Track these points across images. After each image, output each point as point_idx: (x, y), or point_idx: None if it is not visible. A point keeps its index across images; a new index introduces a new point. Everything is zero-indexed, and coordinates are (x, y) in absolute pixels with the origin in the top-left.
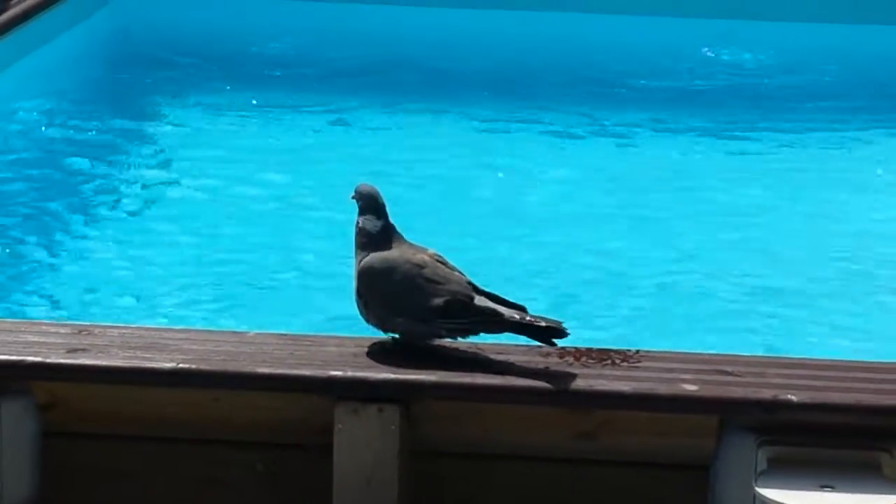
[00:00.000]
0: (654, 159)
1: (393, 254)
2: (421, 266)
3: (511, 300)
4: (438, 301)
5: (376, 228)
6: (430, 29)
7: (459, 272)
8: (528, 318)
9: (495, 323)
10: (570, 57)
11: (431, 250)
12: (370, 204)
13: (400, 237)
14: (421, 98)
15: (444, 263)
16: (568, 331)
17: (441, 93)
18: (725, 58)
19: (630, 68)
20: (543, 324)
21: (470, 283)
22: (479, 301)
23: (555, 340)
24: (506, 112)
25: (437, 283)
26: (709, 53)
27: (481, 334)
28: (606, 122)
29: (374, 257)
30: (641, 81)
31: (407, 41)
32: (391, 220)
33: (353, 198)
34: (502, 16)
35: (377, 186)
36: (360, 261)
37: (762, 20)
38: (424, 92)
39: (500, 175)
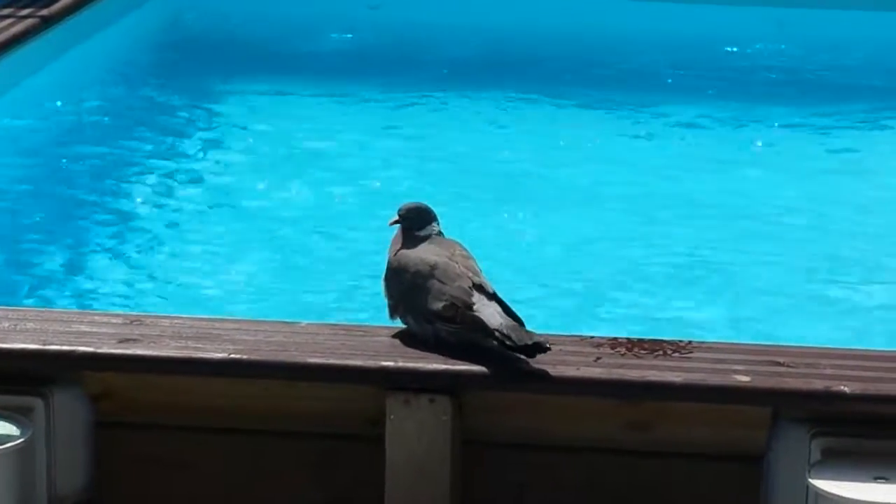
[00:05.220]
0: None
1: (410, 252)
2: (432, 266)
3: (515, 311)
4: (438, 305)
5: (411, 229)
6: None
7: (473, 272)
8: (513, 335)
9: (481, 333)
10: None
11: (459, 248)
12: (413, 215)
13: (436, 236)
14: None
15: (461, 263)
16: (550, 346)
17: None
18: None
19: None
20: (530, 341)
21: (476, 287)
22: (477, 307)
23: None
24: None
25: (443, 284)
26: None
27: None
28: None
29: (396, 255)
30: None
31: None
32: (437, 223)
33: (397, 221)
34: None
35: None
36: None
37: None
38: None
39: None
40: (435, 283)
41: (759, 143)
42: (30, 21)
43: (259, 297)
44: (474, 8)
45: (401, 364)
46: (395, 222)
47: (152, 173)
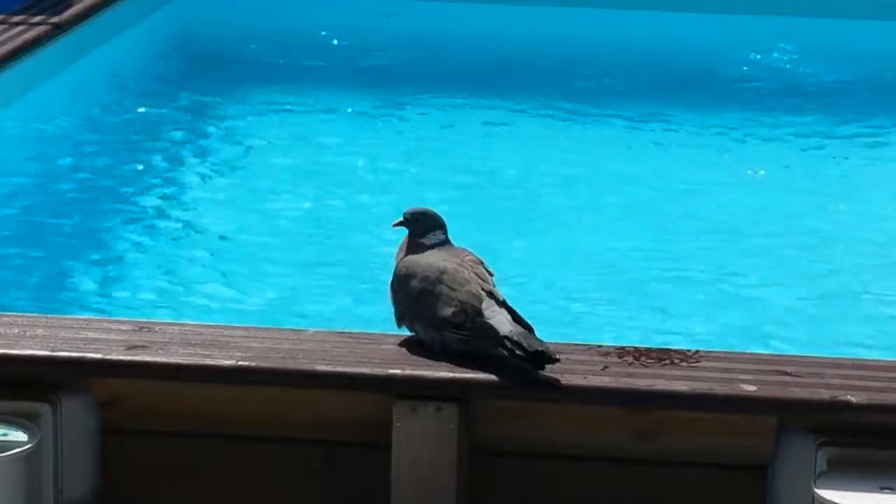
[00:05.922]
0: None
1: (418, 259)
2: (441, 272)
3: (524, 318)
4: (447, 310)
5: (419, 236)
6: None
7: (483, 279)
8: (524, 343)
9: (491, 340)
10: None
11: (469, 255)
12: (417, 219)
13: (444, 243)
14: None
15: (470, 269)
16: (558, 358)
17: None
18: None
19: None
20: (540, 348)
21: (486, 293)
22: (487, 313)
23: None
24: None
25: (452, 290)
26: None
27: None
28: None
29: (403, 262)
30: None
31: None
32: (444, 230)
33: (400, 223)
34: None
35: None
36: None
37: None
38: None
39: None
40: (444, 289)
41: (764, 155)
42: (42, 28)
43: (266, 303)
44: (488, 19)
45: (408, 372)
46: (399, 224)
47: (161, 180)
